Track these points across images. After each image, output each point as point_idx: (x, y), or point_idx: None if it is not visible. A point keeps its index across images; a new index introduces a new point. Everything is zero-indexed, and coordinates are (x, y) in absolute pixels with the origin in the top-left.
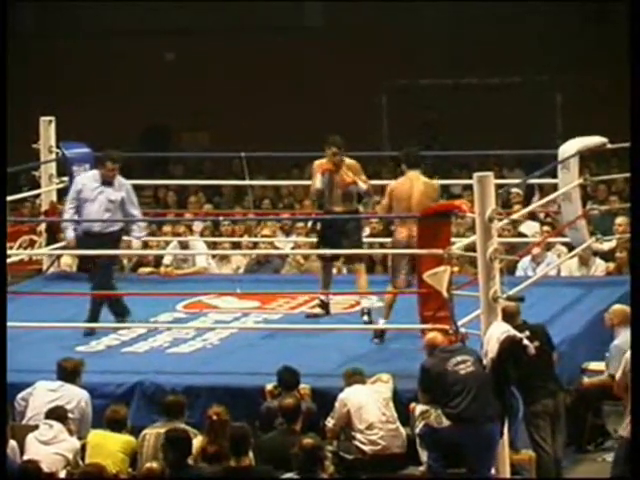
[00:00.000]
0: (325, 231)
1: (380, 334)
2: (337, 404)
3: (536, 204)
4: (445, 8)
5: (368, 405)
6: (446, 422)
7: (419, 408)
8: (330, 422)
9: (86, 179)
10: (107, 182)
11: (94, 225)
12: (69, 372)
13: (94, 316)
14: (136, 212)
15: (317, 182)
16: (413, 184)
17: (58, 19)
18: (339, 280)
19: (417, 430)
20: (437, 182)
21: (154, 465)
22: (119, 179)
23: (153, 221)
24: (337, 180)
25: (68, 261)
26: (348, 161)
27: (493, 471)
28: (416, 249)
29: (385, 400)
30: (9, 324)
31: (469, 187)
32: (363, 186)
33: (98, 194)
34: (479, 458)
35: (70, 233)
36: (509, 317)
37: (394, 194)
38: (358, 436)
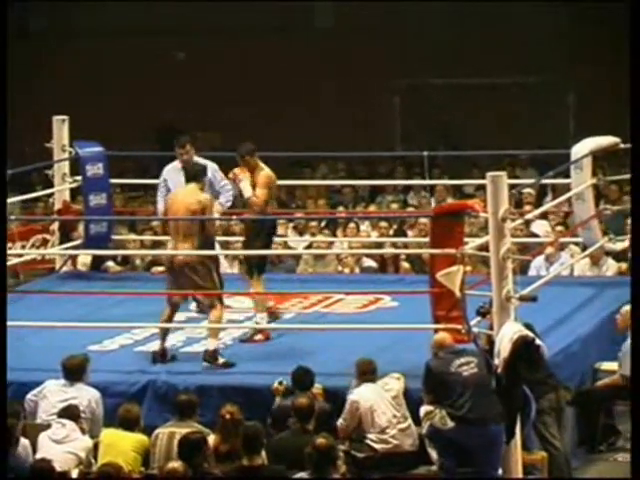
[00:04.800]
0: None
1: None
2: (348, 405)
3: (550, 204)
4: (457, 8)
5: (379, 405)
6: (450, 423)
7: (424, 409)
8: (342, 423)
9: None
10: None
11: None
12: (74, 370)
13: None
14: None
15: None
16: (178, 198)
17: (72, 19)
18: (349, 280)
19: (424, 431)
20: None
21: (176, 465)
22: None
23: (150, 220)
24: None
25: (85, 260)
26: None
27: (500, 471)
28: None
29: (396, 399)
30: (19, 323)
31: (482, 187)
32: (245, 193)
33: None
34: (484, 459)
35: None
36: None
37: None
38: (370, 435)
